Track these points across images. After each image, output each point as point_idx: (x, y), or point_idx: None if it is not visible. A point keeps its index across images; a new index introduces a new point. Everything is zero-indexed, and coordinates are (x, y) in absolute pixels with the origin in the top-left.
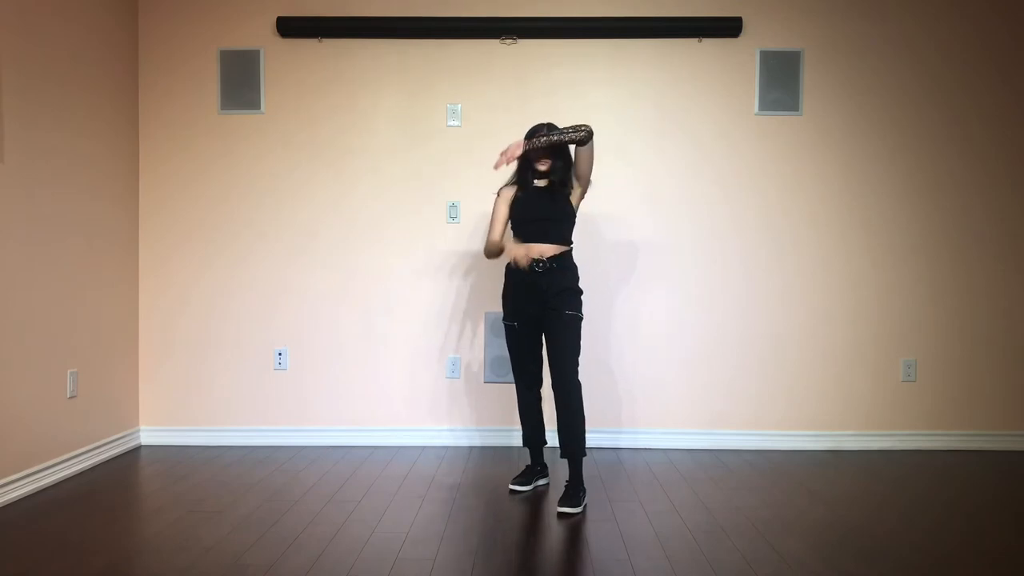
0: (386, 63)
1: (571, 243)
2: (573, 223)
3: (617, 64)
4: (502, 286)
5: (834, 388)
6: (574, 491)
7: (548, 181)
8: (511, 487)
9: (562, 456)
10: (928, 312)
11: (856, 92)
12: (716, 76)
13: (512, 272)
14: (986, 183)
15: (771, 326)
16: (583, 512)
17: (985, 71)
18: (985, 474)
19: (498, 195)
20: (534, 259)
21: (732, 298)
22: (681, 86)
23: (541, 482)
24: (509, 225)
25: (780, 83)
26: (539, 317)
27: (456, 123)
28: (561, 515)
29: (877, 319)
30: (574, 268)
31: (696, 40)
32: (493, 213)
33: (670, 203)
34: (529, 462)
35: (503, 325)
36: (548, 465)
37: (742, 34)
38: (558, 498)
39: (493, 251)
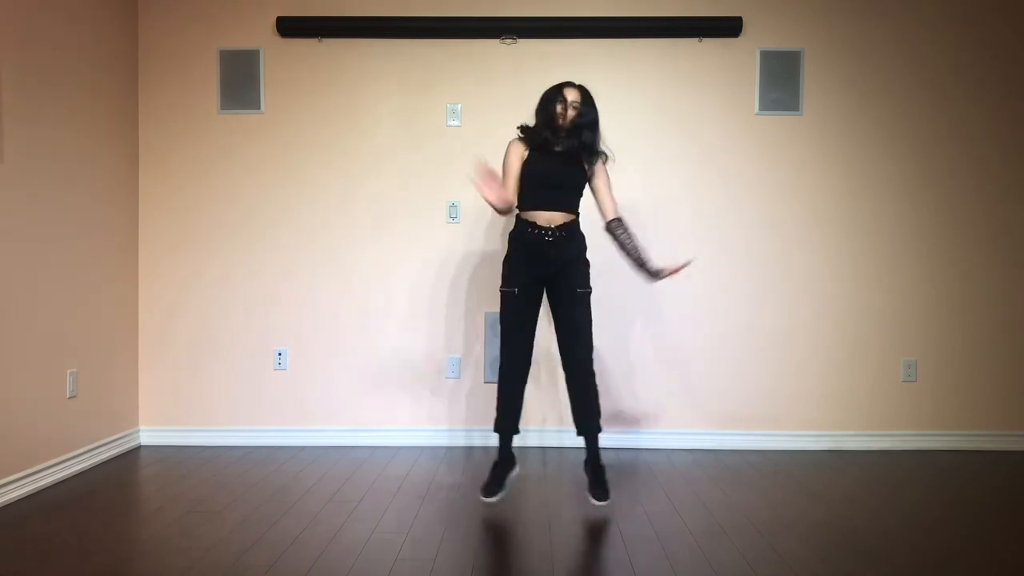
0: (386, 63)
1: (578, 212)
2: (582, 193)
3: (617, 64)
4: (505, 254)
5: (834, 388)
6: (601, 477)
7: (566, 148)
8: (483, 499)
9: (579, 434)
10: (928, 312)
11: (856, 92)
12: (716, 76)
13: (518, 239)
14: (987, 183)
15: (772, 326)
16: (581, 509)
17: (986, 70)
18: (985, 474)
19: (509, 146)
20: (544, 227)
21: (733, 298)
22: (682, 86)
23: (513, 474)
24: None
25: (780, 83)
26: (541, 288)
27: (456, 123)
28: (598, 506)
29: (877, 319)
30: (582, 237)
31: (696, 40)
32: (505, 167)
33: (671, 204)
34: (497, 459)
35: (500, 292)
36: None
37: (742, 34)
38: (586, 489)
39: (506, 208)
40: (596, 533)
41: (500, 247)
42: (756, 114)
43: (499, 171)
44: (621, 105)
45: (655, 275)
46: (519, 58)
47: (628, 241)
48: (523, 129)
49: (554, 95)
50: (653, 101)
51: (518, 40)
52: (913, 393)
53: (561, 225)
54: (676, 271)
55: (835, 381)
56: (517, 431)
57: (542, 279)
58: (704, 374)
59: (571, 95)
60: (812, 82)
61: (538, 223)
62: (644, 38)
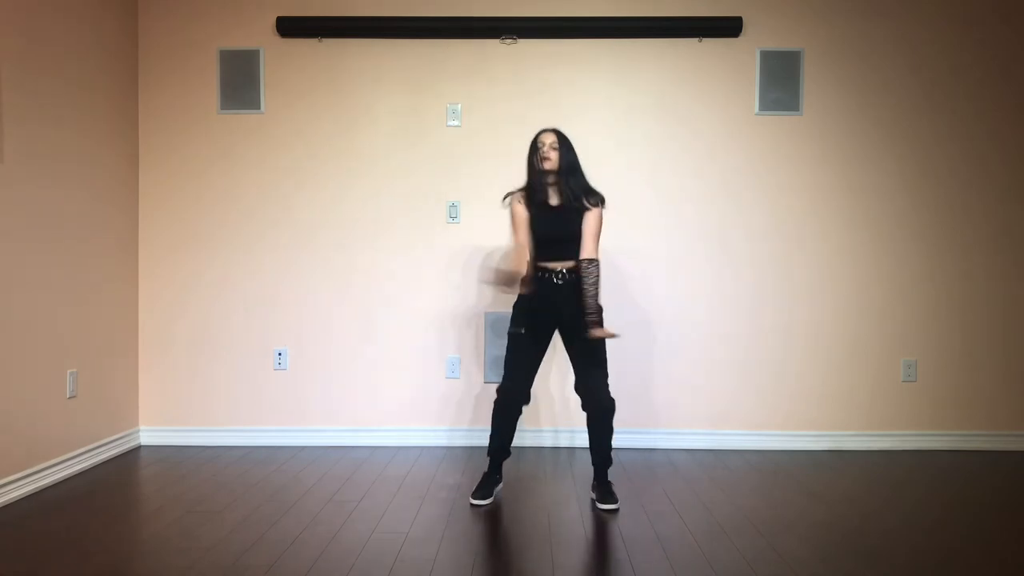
0: (386, 63)
1: None
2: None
3: (617, 64)
4: (516, 295)
5: (835, 388)
6: (609, 488)
7: (560, 200)
8: (473, 502)
9: (593, 463)
10: (928, 312)
11: (856, 92)
12: (716, 76)
13: (530, 283)
14: (986, 183)
15: (772, 326)
16: (577, 510)
17: (986, 70)
18: (985, 474)
19: (511, 202)
20: (555, 270)
21: (733, 298)
22: (682, 86)
23: (498, 489)
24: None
25: (780, 83)
26: (551, 330)
27: (456, 123)
28: (607, 512)
29: (877, 319)
30: None
31: (696, 40)
32: (514, 220)
33: (671, 203)
34: (486, 470)
35: (508, 334)
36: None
37: (742, 34)
38: (592, 498)
39: (524, 272)
40: (596, 533)
41: (500, 246)
42: (756, 114)
43: (503, 266)
44: (621, 105)
45: (586, 328)
46: (519, 58)
47: (588, 284)
48: (514, 193)
49: (532, 144)
50: (653, 101)
51: (518, 40)
52: (913, 393)
53: (571, 268)
54: (602, 336)
55: (835, 381)
56: (509, 455)
57: (552, 321)
58: (704, 374)
59: (547, 139)
60: (812, 82)
61: (549, 268)
62: (644, 38)
